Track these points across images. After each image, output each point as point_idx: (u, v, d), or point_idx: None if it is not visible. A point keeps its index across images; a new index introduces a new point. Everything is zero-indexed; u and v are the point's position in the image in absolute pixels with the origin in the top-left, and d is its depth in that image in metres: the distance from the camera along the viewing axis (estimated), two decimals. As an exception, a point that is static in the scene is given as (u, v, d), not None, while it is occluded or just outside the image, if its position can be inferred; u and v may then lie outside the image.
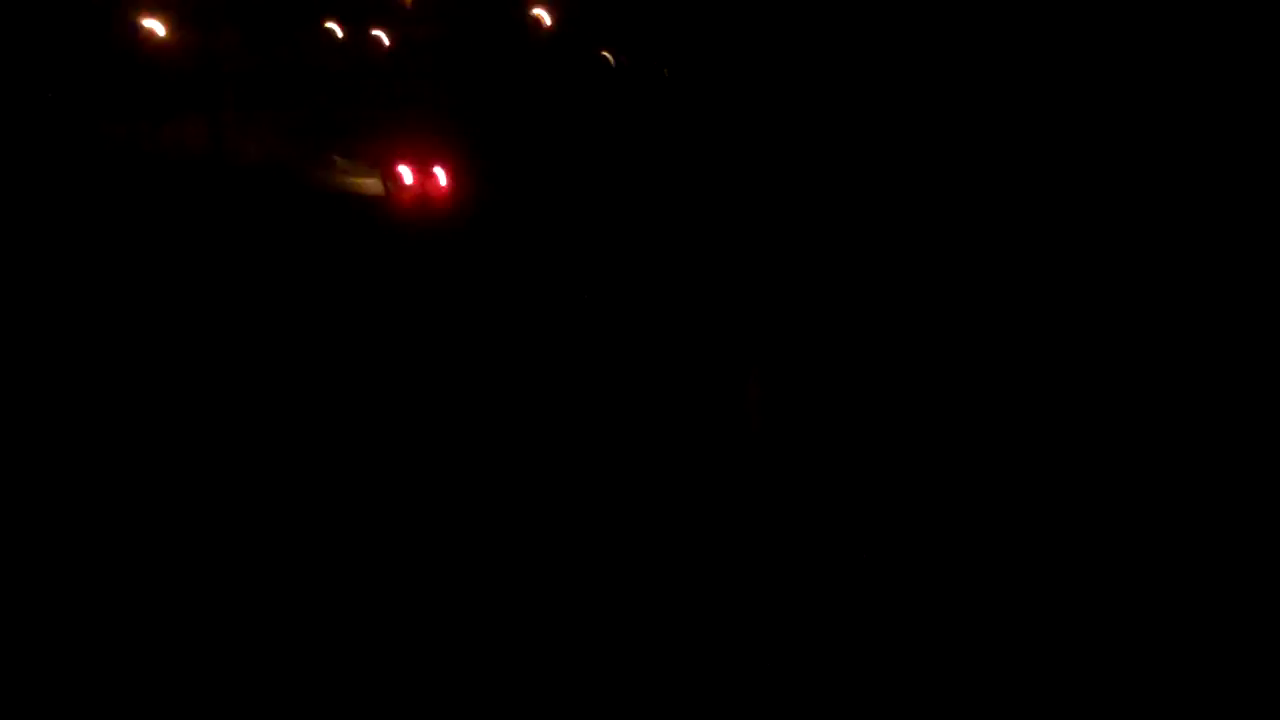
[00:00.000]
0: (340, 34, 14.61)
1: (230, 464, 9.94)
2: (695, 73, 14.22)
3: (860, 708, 7.58)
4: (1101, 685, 7.53)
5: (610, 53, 14.44)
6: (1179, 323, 10.70)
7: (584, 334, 12.09)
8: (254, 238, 13.17)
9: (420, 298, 12.63)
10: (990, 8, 12.52)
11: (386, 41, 14.71)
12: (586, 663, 7.88)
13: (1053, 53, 12.33)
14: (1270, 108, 11.31)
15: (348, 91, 14.43)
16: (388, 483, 9.77)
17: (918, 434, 10.19)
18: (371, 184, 14.09)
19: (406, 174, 13.68)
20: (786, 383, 11.02)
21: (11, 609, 7.88)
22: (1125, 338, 10.76)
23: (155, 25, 13.60)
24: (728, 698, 7.66)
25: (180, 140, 13.66)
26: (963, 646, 7.90)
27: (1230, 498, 8.98)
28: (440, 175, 13.67)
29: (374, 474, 9.89)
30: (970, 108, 12.73)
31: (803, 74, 13.46)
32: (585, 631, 8.18)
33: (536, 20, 14.55)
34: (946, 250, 11.93)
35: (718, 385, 11.13)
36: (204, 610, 8.05)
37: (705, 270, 12.48)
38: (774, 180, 13.07)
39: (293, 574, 8.58)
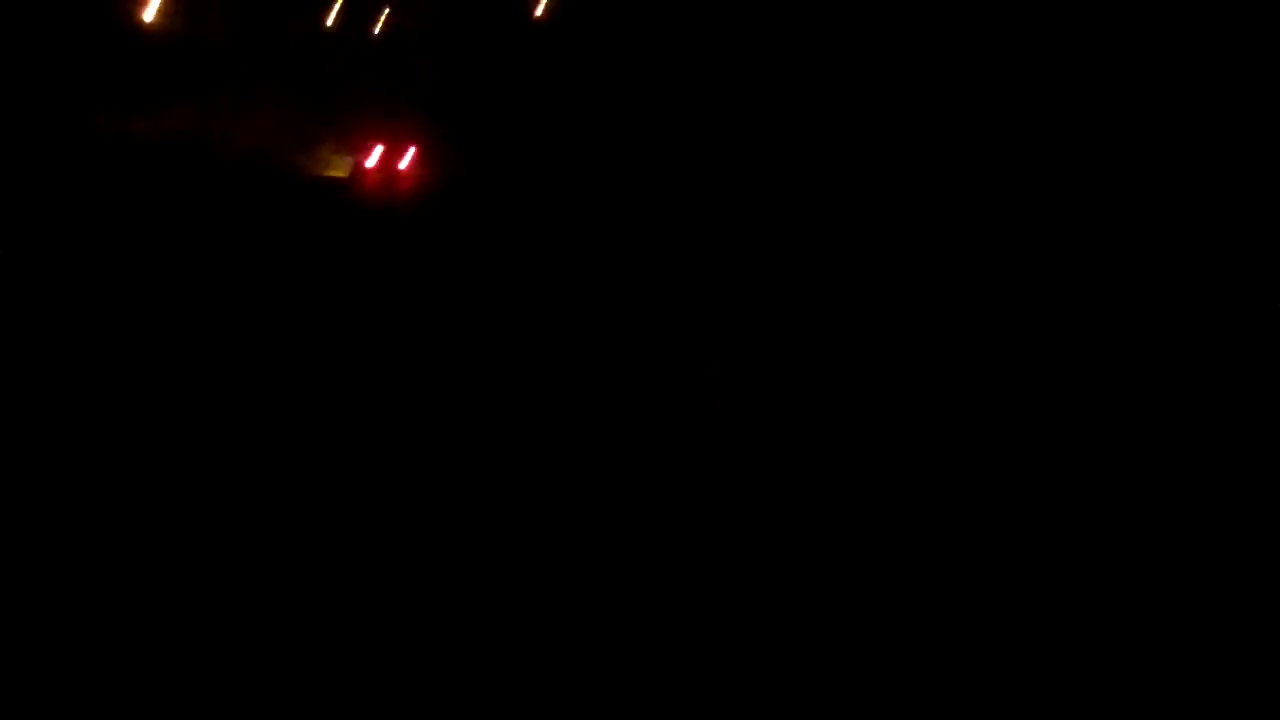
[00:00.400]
0: (334, 21, 14.54)
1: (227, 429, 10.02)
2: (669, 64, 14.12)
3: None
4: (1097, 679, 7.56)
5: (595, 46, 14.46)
6: (1176, 327, 10.68)
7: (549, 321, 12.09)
8: (239, 224, 13.22)
9: (393, 284, 12.68)
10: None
11: (379, 30, 14.65)
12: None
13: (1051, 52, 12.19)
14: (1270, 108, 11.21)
15: (338, 82, 14.38)
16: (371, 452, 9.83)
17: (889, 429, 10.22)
18: (344, 168, 14.10)
19: (371, 157, 13.76)
20: (749, 376, 11.06)
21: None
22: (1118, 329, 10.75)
23: (147, 12, 13.58)
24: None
25: (168, 128, 13.67)
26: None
27: (1230, 498, 9.05)
28: (407, 158, 13.74)
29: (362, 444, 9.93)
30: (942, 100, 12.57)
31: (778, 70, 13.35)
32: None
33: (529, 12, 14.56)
34: (918, 246, 11.89)
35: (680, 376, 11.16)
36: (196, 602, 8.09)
37: (672, 262, 12.48)
38: (747, 175, 13.02)
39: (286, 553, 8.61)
